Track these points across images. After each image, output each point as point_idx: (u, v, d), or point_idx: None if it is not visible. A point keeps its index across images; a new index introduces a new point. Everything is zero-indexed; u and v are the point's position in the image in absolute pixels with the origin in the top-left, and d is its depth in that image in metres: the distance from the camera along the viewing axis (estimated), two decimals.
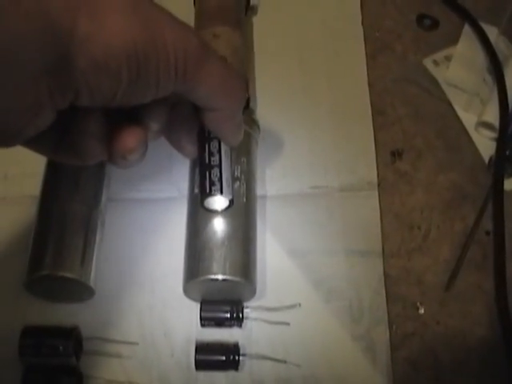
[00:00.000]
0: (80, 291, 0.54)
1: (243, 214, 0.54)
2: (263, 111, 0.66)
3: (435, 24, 0.71)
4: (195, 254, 0.53)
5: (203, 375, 0.54)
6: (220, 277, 0.51)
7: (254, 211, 0.56)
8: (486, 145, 0.64)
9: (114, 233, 0.59)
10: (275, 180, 0.62)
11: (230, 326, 0.54)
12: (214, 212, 0.51)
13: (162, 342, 0.55)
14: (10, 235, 0.58)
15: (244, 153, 0.57)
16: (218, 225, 0.53)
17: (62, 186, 0.56)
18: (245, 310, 0.55)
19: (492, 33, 0.68)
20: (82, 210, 0.55)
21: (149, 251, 0.59)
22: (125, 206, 0.62)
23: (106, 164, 0.58)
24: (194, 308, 0.55)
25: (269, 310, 0.55)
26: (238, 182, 0.54)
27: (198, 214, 0.54)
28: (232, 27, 0.63)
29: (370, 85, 0.67)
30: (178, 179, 0.60)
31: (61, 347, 0.52)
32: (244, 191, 0.55)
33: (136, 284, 0.57)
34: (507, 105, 0.63)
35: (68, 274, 0.53)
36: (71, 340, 0.52)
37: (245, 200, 0.54)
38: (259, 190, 0.60)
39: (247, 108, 0.61)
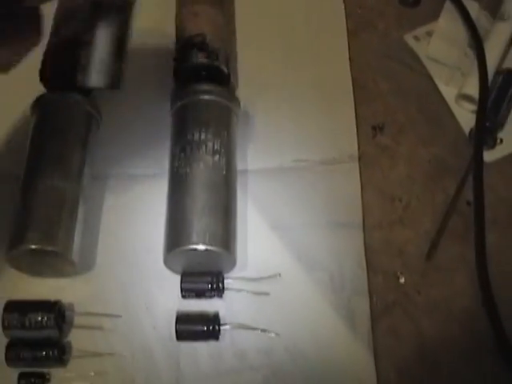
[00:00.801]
0: (63, 265, 0.55)
1: (223, 186, 0.55)
2: (246, 87, 0.67)
3: (417, 1, 0.71)
4: (175, 225, 0.53)
5: (185, 346, 0.55)
6: (200, 247, 0.52)
7: (234, 184, 0.56)
8: (466, 117, 0.64)
9: (97, 209, 0.60)
10: (257, 154, 0.63)
11: (211, 297, 0.55)
12: None
13: (144, 314, 0.56)
14: None
15: (224, 127, 0.58)
16: (198, 196, 0.53)
17: (45, 162, 0.56)
18: (225, 281, 0.55)
19: (473, 8, 0.69)
20: (64, 185, 0.56)
21: (132, 227, 0.59)
22: (109, 182, 0.62)
23: (88, 141, 0.58)
24: (176, 281, 0.55)
25: (249, 280, 0.55)
26: (217, 155, 0.55)
27: (178, 187, 0.55)
28: (212, 5, 0.63)
29: (351, 61, 0.68)
30: (161, 156, 0.60)
31: (44, 320, 0.52)
32: (224, 164, 0.55)
33: (119, 258, 0.58)
34: (487, 77, 0.63)
35: (51, 248, 0.53)
36: (54, 313, 0.52)
37: (224, 172, 0.55)
38: (241, 165, 0.60)
39: (228, 83, 0.61)
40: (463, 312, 0.55)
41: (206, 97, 0.57)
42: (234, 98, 0.59)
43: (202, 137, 0.55)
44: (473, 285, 0.56)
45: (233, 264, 0.54)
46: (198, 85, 0.58)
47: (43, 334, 0.52)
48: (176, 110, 0.58)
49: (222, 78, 0.62)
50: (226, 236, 0.53)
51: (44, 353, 0.53)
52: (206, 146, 0.55)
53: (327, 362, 0.54)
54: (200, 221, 0.52)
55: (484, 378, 0.54)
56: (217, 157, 0.54)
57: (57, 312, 0.52)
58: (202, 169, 0.54)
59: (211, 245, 0.51)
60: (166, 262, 0.53)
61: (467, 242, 0.58)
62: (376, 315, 0.55)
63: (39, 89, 0.62)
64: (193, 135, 0.55)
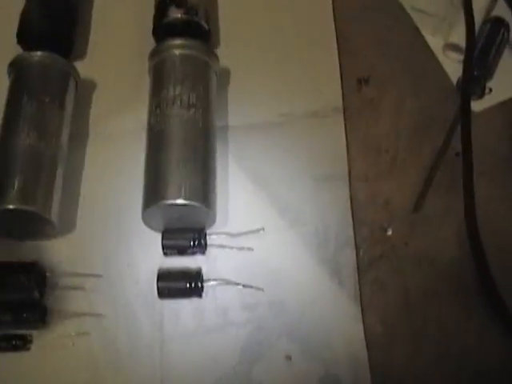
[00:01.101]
0: (42, 226, 0.54)
1: (200, 139, 0.54)
2: (228, 44, 0.66)
3: None
4: (152, 181, 0.53)
5: (168, 304, 0.54)
6: (177, 201, 0.51)
7: (212, 137, 0.55)
8: (453, 67, 0.63)
9: (78, 169, 0.60)
10: (239, 110, 0.62)
11: (193, 253, 0.54)
12: None
13: (125, 273, 0.55)
14: None
15: (201, 81, 0.57)
16: (174, 150, 0.52)
17: (22, 122, 0.55)
18: (208, 237, 0.54)
19: None
20: (41, 145, 0.55)
21: (111, 185, 0.59)
22: (90, 142, 0.62)
23: (66, 101, 0.57)
24: (158, 239, 0.54)
25: (232, 236, 0.54)
26: (193, 109, 0.54)
27: (154, 143, 0.55)
28: None
29: (336, 13, 0.67)
30: (141, 115, 0.58)
31: (23, 282, 0.51)
32: (200, 118, 0.54)
33: (99, 218, 0.57)
34: (473, 26, 0.62)
35: (29, 208, 0.53)
36: (33, 274, 0.51)
37: (201, 125, 0.54)
38: (221, 121, 0.59)
39: (209, 40, 0.60)
40: (451, 262, 0.54)
41: (182, 51, 0.57)
42: (211, 53, 0.58)
43: (177, 91, 0.55)
44: (460, 235, 0.55)
45: (213, 219, 0.53)
46: (174, 39, 0.57)
47: (23, 296, 0.52)
48: (153, 65, 0.57)
49: (202, 34, 0.61)
50: (204, 190, 0.52)
51: (24, 315, 0.52)
52: (180, 101, 0.54)
53: (313, 317, 0.53)
54: (176, 175, 0.51)
55: (471, 327, 0.53)
56: (192, 110, 0.54)
57: (36, 273, 0.51)
58: (177, 123, 0.53)
59: (188, 199, 0.50)
60: (145, 219, 0.53)
61: (454, 192, 0.57)
62: (362, 268, 0.55)
63: (18, 50, 0.61)
64: (168, 90, 0.55)
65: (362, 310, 0.53)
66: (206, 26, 0.61)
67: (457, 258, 0.54)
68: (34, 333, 0.53)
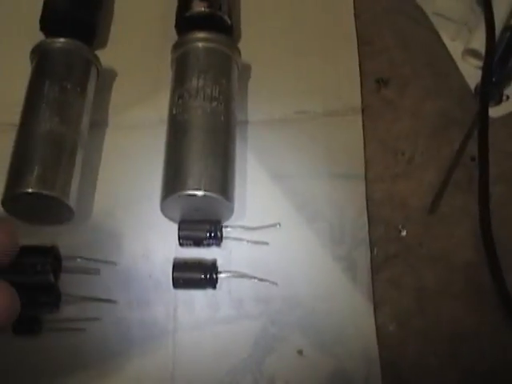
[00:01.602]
0: (60, 211, 0.54)
1: (221, 132, 0.54)
2: (249, 39, 0.66)
3: None
4: (172, 171, 0.53)
5: (182, 294, 0.54)
6: (197, 192, 0.51)
7: (233, 131, 0.56)
8: (472, 73, 0.63)
9: (96, 157, 0.60)
10: (259, 106, 0.62)
11: (209, 245, 0.54)
12: None
13: (140, 262, 0.55)
14: None
15: (224, 75, 0.57)
16: (195, 142, 0.52)
17: (43, 106, 0.56)
18: (224, 230, 0.54)
19: None
20: (62, 130, 0.55)
21: (130, 175, 0.59)
22: (109, 131, 0.62)
23: (87, 88, 0.58)
24: (174, 229, 0.55)
25: (248, 229, 0.54)
26: (215, 102, 0.54)
27: (176, 133, 0.55)
28: None
29: (357, 15, 0.67)
30: (162, 105, 0.59)
31: (38, 265, 0.51)
32: (222, 111, 0.55)
33: (116, 206, 0.57)
34: (494, 32, 0.62)
35: (48, 192, 0.53)
36: (49, 258, 0.51)
37: (223, 119, 0.54)
38: (241, 116, 0.60)
39: (231, 34, 0.60)
40: (465, 264, 0.54)
41: (206, 44, 0.57)
42: (234, 47, 0.58)
43: (201, 83, 0.55)
44: (475, 237, 0.55)
45: (231, 211, 0.53)
46: (198, 32, 0.57)
47: (38, 279, 0.51)
48: (176, 57, 0.57)
49: (224, 28, 0.61)
50: (224, 182, 0.52)
51: (38, 298, 0.52)
52: (204, 93, 0.54)
53: (326, 313, 0.53)
54: (197, 166, 0.52)
55: (484, 330, 0.53)
56: (215, 103, 0.54)
57: (52, 257, 0.51)
58: (200, 115, 0.53)
59: (208, 190, 0.51)
60: (163, 209, 0.53)
61: (470, 195, 0.57)
62: (377, 267, 0.55)
63: (40, 37, 0.62)
64: (191, 82, 0.55)
65: (375, 307, 0.53)
66: (228, 21, 0.61)
67: (471, 260, 0.55)
68: (47, 317, 0.53)
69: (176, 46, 0.58)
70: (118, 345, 0.53)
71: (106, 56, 0.62)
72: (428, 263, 0.55)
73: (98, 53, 0.62)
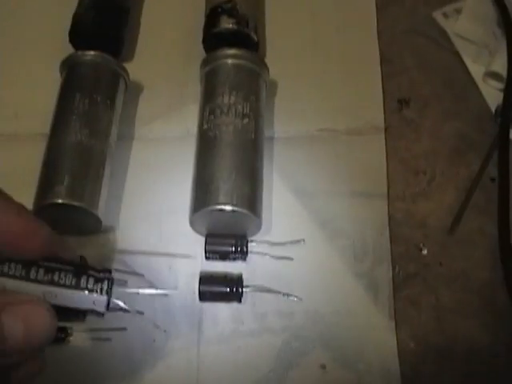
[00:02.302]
0: (88, 222, 0.55)
1: (251, 149, 0.55)
2: (274, 57, 0.67)
3: None
4: (203, 185, 0.54)
5: (206, 307, 0.55)
6: (227, 207, 0.52)
7: (262, 148, 0.56)
8: (492, 95, 0.64)
9: (123, 169, 0.61)
10: (283, 122, 0.63)
11: (234, 259, 0.55)
12: None
13: (166, 275, 0.55)
14: (20, 171, 0.58)
15: (253, 92, 0.58)
16: (226, 158, 0.53)
17: (73, 118, 0.56)
18: (249, 244, 0.55)
19: None
20: (91, 142, 0.56)
21: (157, 188, 0.60)
22: (135, 144, 0.63)
23: (116, 101, 0.58)
24: (200, 243, 0.56)
25: (273, 244, 0.55)
26: (246, 119, 0.55)
27: (207, 148, 0.55)
28: None
29: (378, 35, 0.68)
30: (187, 119, 0.60)
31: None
32: (252, 128, 0.56)
33: (143, 219, 0.58)
34: None
35: (77, 203, 0.54)
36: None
37: (253, 136, 0.55)
38: (267, 132, 0.60)
39: (257, 51, 0.61)
40: (483, 285, 0.55)
41: (236, 61, 0.57)
42: (263, 64, 0.59)
43: (232, 100, 0.55)
44: (493, 258, 0.56)
45: (258, 227, 0.54)
46: (229, 49, 0.58)
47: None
48: (206, 73, 0.58)
49: (250, 45, 0.62)
50: (252, 198, 0.53)
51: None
52: (235, 110, 0.55)
53: (348, 329, 0.54)
54: (228, 182, 0.52)
55: (499, 350, 0.54)
56: (246, 120, 0.55)
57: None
58: (231, 131, 0.54)
59: (238, 206, 0.52)
60: (192, 223, 0.53)
61: (489, 217, 0.58)
62: (397, 284, 0.55)
63: (69, 50, 0.62)
64: (222, 98, 0.56)
65: (396, 324, 0.54)
66: (255, 38, 0.62)
67: (489, 280, 0.56)
68: (73, 326, 0.53)
69: (206, 62, 0.59)
70: (143, 356, 0.54)
71: (132, 69, 0.63)
72: (447, 282, 0.56)
73: (125, 66, 0.62)
